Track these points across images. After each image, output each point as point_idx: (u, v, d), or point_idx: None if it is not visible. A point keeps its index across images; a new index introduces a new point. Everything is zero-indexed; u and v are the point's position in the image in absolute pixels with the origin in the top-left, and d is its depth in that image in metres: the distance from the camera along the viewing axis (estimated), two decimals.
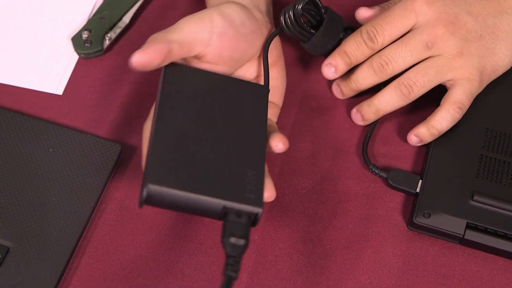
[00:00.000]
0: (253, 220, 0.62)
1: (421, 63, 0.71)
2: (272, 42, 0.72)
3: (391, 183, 0.72)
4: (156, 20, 0.82)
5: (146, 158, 0.62)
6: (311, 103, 0.78)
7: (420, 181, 0.71)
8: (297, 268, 0.69)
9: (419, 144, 0.74)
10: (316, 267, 0.70)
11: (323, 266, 0.70)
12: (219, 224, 0.63)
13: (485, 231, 0.69)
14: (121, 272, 0.69)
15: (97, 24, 0.80)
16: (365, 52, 0.72)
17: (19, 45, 0.80)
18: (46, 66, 0.79)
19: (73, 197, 0.71)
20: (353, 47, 0.72)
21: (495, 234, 0.69)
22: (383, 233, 0.71)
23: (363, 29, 0.72)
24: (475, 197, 0.69)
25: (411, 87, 0.71)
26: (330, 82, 0.78)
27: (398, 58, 0.71)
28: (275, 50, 0.73)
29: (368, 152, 0.74)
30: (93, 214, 0.71)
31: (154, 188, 0.60)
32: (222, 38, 0.67)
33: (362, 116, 0.74)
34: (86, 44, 0.79)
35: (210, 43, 0.67)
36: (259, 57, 0.72)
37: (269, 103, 0.71)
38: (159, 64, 0.65)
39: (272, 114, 0.72)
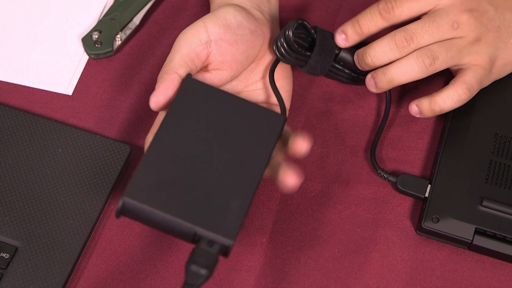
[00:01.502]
0: (225, 251, 0.61)
1: (444, 40, 0.69)
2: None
3: (400, 187, 0.72)
4: (166, 22, 0.82)
5: (136, 170, 0.62)
6: (320, 106, 0.77)
7: (429, 185, 0.71)
8: (304, 272, 0.69)
9: (417, 116, 0.71)
10: (323, 271, 0.69)
11: (331, 269, 0.69)
12: None
13: (493, 236, 0.69)
14: (129, 273, 0.69)
15: (108, 25, 0.80)
16: (378, 22, 0.70)
17: (29, 46, 0.80)
18: (56, 67, 0.79)
19: (81, 197, 0.71)
20: (366, 17, 0.70)
21: (504, 240, 0.69)
22: (391, 237, 0.71)
23: (381, 1, 0.70)
24: (484, 203, 0.69)
25: (434, 59, 0.69)
26: (339, 85, 0.78)
27: (425, 34, 0.69)
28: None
29: (377, 156, 0.74)
30: (101, 215, 0.71)
31: (130, 201, 0.60)
32: (221, 44, 0.67)
33: (376, 83, 0.71)
34: (96, 45, 0.79)
35: (210, 51, 0.67)
36: (263, 58, 0.72)
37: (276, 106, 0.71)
38: (176, 93, 0.65)
39: None
